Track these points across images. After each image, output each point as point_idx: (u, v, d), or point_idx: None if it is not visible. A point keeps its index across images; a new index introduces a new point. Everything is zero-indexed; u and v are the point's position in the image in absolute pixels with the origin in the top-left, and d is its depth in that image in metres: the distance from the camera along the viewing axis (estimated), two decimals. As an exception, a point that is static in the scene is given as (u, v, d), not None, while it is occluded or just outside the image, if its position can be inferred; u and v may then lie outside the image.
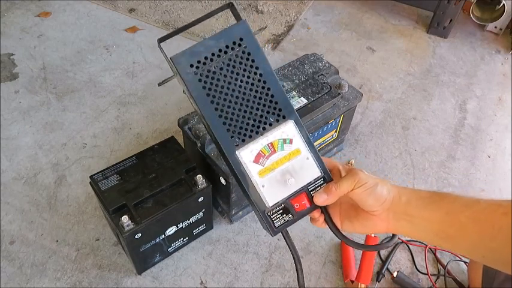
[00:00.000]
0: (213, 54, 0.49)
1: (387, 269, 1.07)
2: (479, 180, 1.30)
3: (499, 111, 1.52)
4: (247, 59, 0.50)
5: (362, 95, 1.16)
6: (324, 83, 1.13)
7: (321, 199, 0.52)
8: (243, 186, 0.51)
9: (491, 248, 0.45)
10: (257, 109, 0.50)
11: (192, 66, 0.48)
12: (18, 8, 1.75)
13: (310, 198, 0.53)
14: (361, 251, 1.07)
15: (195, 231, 1.07)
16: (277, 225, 0.52)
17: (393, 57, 1.69)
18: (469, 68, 1.67)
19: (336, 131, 1.23)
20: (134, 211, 0.88)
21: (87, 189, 1.15)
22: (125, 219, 0.85)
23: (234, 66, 0.49)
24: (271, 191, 0.51)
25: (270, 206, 0.51)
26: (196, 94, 0.48)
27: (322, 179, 0.53)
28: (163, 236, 0.96)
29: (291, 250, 0.55)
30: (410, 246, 1.12)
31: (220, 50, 0.49)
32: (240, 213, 1.14)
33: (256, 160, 0.50)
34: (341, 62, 1.64)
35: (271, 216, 0.52)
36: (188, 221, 1.00)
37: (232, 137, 0.50)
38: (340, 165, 0.55)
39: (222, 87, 0.49)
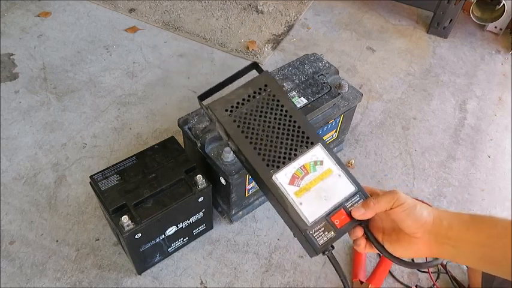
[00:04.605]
0: (243, 100, 0.58)
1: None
2: (479, 180, 1.30)
3: (499, 111, 1.52)
4: (273, 100, 0.59)
5: (362, 95, 1.16)
6: (324, 83, 1.13)
7: (358, 212, 0.52)
8: (283, 210, 0.54)
9: None
10: (287, 139, 0.57)
11: (226, 110, 0.57)
12: (18, 8, 1.75)
13: (349, 215, 0.54)
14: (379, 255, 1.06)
15: (195, 231, 1.07)
16: (320, 242, 0.52)
17: (393, 57, 1.69)
18: (469, 68, 1.67)
19: (336, 131, 1.23)
20: (134, 211, 0.88)
21: (87, 189, 1.15)
22: (125, 219, 0.85)
23: (262, 107, 0.58)
24: (310, 208, 0.54)
25: (311, 222, 0.53)
26: (233, 133, 0.56)
27: (358, 196, 0.55)
28: (163, 236, 0.96)
29: (340, 276, 0.55)
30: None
31: (249, 96, 0.58)
32: (240, 213, 1.14)
33: (292, 182, 0.55)
34: (341, 62, 1.64)
35: (314, 235, 0.53)
36: (188, 221, 1.00)
37: (267, 165, 0.55)
38: (379, 190, 0.56)
39: (254, 124, 0.57)
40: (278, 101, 0.59)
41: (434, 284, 1.04)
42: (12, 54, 1.56)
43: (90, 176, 0.93)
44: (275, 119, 0.58)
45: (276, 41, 1.71)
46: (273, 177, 0.55)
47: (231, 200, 1.04)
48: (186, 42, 1.67)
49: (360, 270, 1.04)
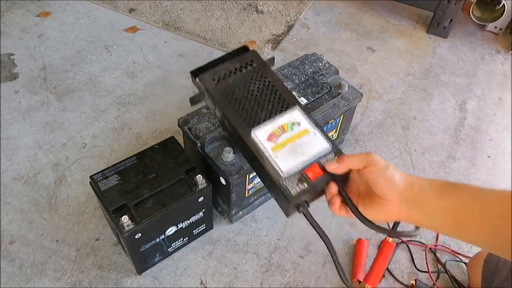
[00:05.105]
0: (230, 72, 0.65)
1: (387, 268, 1.07)
2: (479, 180, 1.30)
3: (499, 111, 1.52)
4: (258, 73, 0.66)
5: (362, 95, 1.16)
6: (324, 83, 1.13)
7: (332, 166, 0.55)
8: (259, 164, 0.58)
9: (508, 238, 0.44)
10: (267, 103, 0.63)
11: (214, 80, 0.65)
12: (18, 8, 1.75)
13: (323, 169, 0.56)
14: (376, 254, 1.06)
15: (195, 231, 1.07)
16: (293, 192, 0.54)
17: (393, 57, 1.69)
18: (469, 68, 1.67)
19: (336, 131, 1.23)
20: (134, 211, 0.88)
21: (87, 189, 1.14)
22: (125, 219, 0.85)
23: (247, 78, 0.65)
24: (285, 161, 0.57)
25: (284, 172, 0.56)
26: (218, 99, 0.63)
27: (333, 154, 0.58)
28: (163, 236, 0.96)
29: (315, 228, 0.56)
30: (410, 246, 1.12)
31: (235, 69, 0.66)
32: (240, 213, 1.14)
33: (270, 139, 0.59)
34: (341, 62, 1.64)
35: (287, 186, 0.55)
36: (188, 221, 1.00)
37: (248, 125, 0.60)
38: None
39: (238, 93, 0.64)
40: (262, 73, 0.65)
41: (434, 284, 1.04)
42: (12, 54, 1.56)
43: (90, 176, 0.93)
44: (258, 88, 0.64)
45: (276, 41, 1.71)
46: (252, 134, 0.59)
47: (231, 200, 1.05)
48: (186, 42, 1.67)
49: (359, 270, 1.04)
